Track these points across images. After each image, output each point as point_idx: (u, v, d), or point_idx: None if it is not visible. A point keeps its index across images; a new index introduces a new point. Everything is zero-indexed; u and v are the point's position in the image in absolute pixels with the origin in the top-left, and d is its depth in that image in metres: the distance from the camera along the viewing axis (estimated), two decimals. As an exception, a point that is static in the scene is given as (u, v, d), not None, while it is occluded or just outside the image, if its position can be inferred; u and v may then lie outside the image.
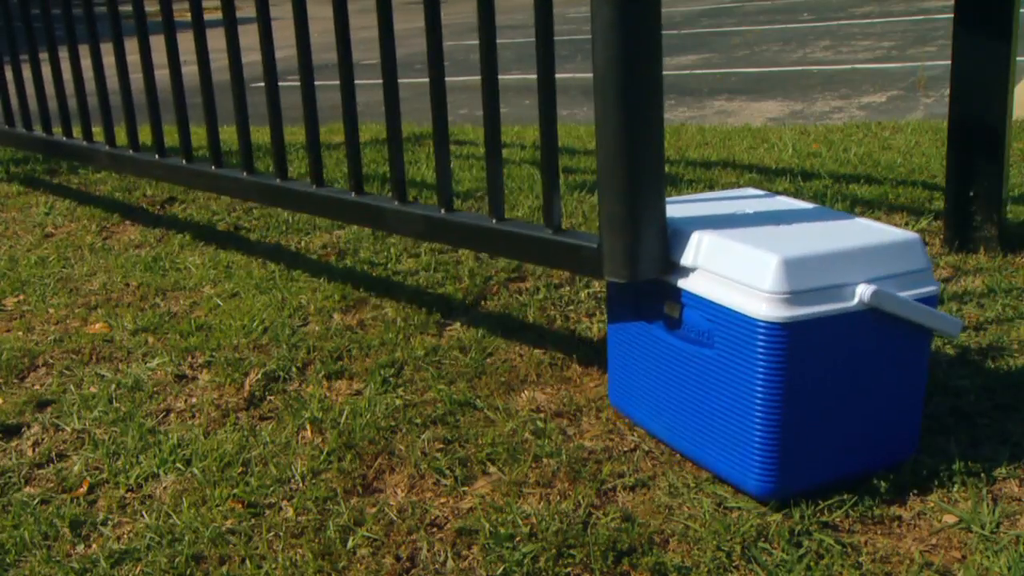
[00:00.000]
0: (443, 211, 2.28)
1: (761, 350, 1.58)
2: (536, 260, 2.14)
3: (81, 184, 4.34)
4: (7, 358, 2.49)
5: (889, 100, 6.08)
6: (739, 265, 1.63)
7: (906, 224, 3.04)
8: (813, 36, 9.47)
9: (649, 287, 1.82)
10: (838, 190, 3.44)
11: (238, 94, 2.78)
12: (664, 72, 8.95)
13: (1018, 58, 2.72)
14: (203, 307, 2.76)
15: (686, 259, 1.74)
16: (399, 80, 2.34)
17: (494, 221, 2.16)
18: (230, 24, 2.71)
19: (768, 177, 3.74)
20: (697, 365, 1.73)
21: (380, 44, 2.28)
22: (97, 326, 2.69)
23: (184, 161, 3.07)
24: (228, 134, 4.99)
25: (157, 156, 3.18)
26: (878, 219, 3.10)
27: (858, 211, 3.19)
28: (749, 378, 1.61)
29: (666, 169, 3.98)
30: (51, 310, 2.82)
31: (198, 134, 4.33)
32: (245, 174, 2.84)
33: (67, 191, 4.24)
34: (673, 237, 1.78)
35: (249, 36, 2.78)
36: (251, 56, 2.91)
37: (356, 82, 2.45)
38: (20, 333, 2.67)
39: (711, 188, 3.63)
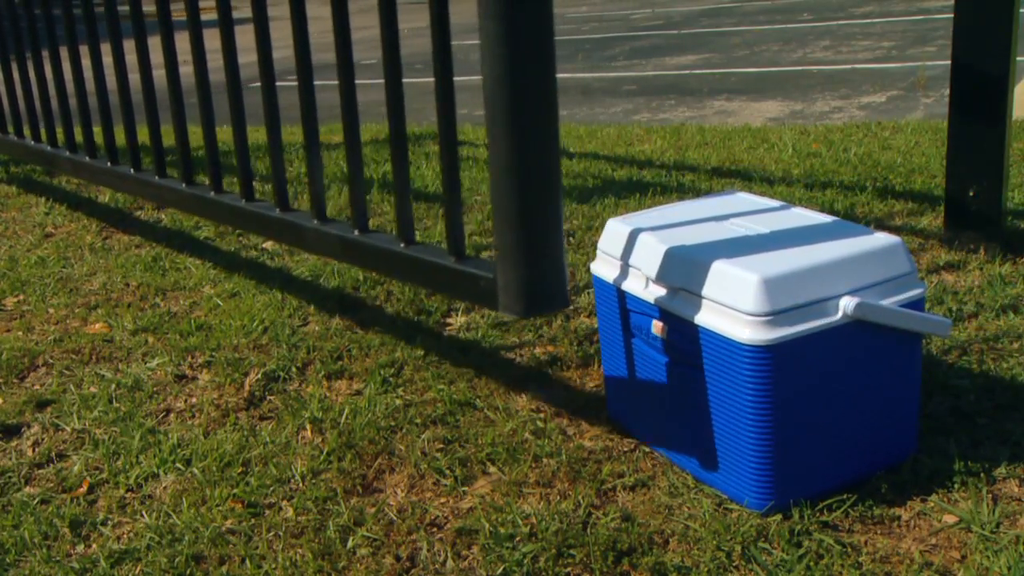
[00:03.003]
0: (356, 232, 2.13)
1: (747, 373, 1.58)
2: (439, 289, 2.00)
3: (81, 184, 4.34)
4: (7, 358, 2.49)
5: (889, 100, 6.08)
6: (720, 285, 1.61)
7: (905, 224, 3.04)
8: (813, 36, 9.47)
9: (635, 306, 1.81)
10: (838, 190, 3.44)
11: (176, 101, 2.70)
12: (664, 72, 8.84)
13: (1018, 58, 2.72)
14: (203, 307, 2.76)
15: (668, 278, 1.72)
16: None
17: (402, 245, 2.03)
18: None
19: (767, 177, 3.74)
20: (688, 385, 1.72)
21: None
22: (97, 326, 2.69)
23: (132, 170, 3.00)
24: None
25: (108, 164, 3.13)
26: (878, 219, 3.10)
27: (857, 212, 3.19)
28: (738, 400, 1.61)
29: (666, 170, 3.98)
30: (51, 310, 2.82)
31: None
32: (184, 185, 2.75)
33: (67, 191, 4.24)
34: (655, 254, 1.75)
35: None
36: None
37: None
38: (20, 333, 2.67)
39: (711, 188, 3.63)
